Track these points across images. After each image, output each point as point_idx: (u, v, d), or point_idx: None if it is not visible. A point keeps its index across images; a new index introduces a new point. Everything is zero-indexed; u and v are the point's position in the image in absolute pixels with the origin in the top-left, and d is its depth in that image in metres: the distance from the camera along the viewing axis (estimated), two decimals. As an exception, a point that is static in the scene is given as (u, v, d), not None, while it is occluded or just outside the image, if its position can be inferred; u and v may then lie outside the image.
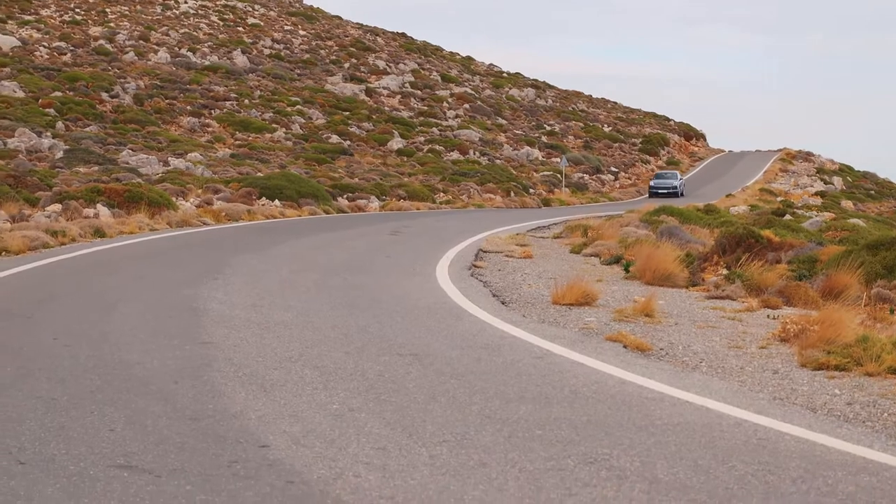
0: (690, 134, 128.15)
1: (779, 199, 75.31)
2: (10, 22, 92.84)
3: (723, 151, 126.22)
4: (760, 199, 74.99)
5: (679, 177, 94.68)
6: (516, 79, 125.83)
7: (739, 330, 14.49)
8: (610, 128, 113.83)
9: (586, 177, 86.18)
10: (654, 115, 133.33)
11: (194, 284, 18.34)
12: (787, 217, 46.42)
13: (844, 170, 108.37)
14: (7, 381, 10.21)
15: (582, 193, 78.80)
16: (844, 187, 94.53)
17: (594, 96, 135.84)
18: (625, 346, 12.95)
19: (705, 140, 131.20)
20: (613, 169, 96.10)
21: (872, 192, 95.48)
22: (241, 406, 9.33)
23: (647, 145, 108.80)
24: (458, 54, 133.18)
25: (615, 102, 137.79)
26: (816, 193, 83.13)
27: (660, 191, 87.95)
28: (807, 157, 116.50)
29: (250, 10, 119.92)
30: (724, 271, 20.80)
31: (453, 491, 7.04)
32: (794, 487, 7.31)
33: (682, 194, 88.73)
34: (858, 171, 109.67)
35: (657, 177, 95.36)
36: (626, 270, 21.62)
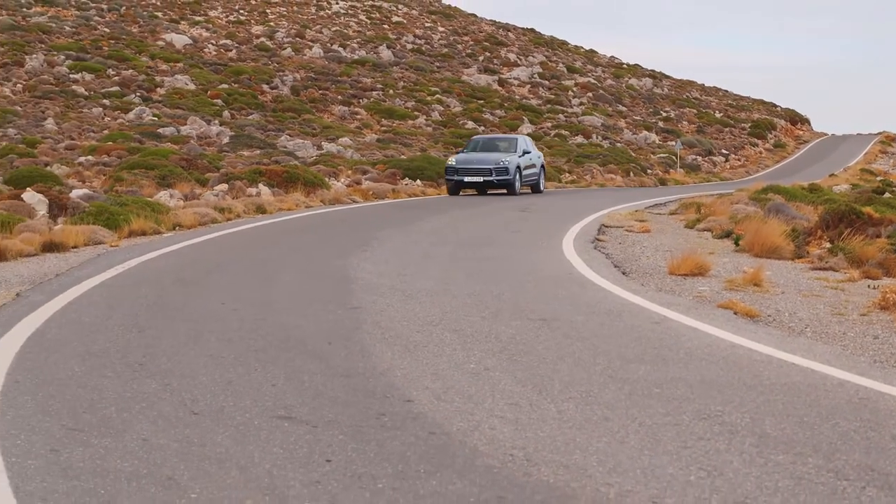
0: (796, 119, 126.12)
1: (878, 178, 72.72)
2: (182, 22, 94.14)
3: (826, 135, 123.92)
4: (861, 179, 72.03)
5: (524, 147, 43.87)
6: (635, 69, 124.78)
7: (842, 299, 14.28)
8: (721, 114, 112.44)
9: (699, 158, 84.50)
10: (762, 102, 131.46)
11: (345, 256, 18.48)
12: (887, 195, 45.45)
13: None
14: (182, 341, 10.39)
15: (695, 174, 76.48)
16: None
17: (706, 85, 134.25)
18: (735, 313, 12.84)
19: (810, 124, 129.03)
20: (724, 151, 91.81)
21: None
22: (387, 365, 9.40)
23: (756, 129, 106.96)
24: (582, 48, 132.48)
25: (726, 90, 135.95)
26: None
27: (466, 178, 41.20)
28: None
29: (394, 9, 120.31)
30: (828, 245, 20.51)
31: (579, 443, 7.04)
32: (894, 443, 7.21)
33: (537, 187, 44.29)
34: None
35: (472, 146, 44.53)
36: (736, 244, 21.39)
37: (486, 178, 39.75)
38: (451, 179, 40.64)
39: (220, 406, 7.84)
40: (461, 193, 41.47)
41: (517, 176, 40.52)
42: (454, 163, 40.79)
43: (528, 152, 42.85)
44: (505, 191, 41.06)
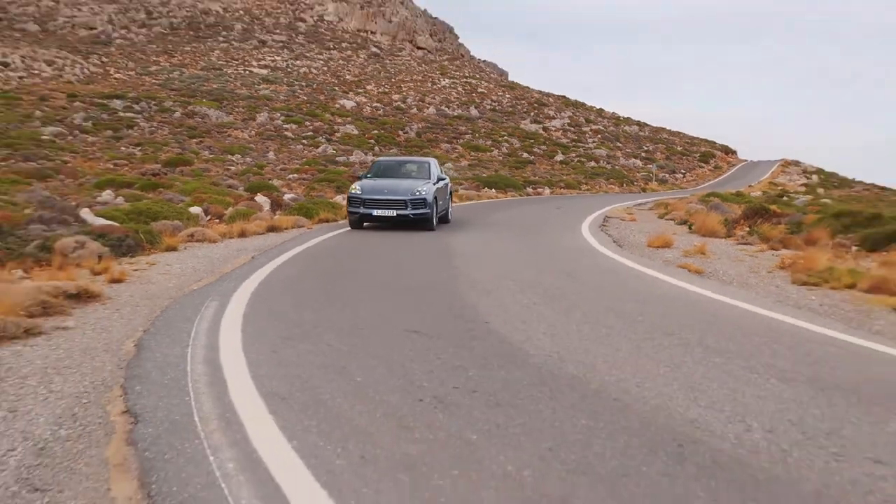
0: (728, 150, 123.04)
1: (779, 188, 71.90)
2: (350, 93, 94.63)
3: (746, 161, 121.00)
4: (768, 188, 71.31)
5: (436, 171, 21.93)
6: (628, 120, 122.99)
7: (756, 262, 14.09)
8: (681, 148, 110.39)
9: (667, 175, 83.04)
10: (707, 140, 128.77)
11: (448, 235, 18.52)
12: (785, 198, 44.65)
13: (819, 171, 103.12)
14: (351, 286, 10.49)
15: (664, 185, 75.50)
16: (819, 181, 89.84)
17: (672, 129, 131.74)
18: (689, 271, 12.72)
19: (737, 154, 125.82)
20: (682, 171, 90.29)
21: (835, 183, 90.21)
22: (473, 301, 9.44)
23: (702, 157, 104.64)
24: (595, 106, 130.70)
25: (684, 133, 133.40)
26: (802, 185, 78.94)
27: (375, 212, 19.66)
28: (796, 163, 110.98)
29: (479, 83, 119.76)
30: (747, 228, 20.25)
31: (590, 350, 7.04)
32: (788, 351, 7.13)
33: (447, 218, 22.39)
34: (827, 172, 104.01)
35: (376, 169, 21.98)
36: (690, 228, 21.18)
37: (399, 212, 19.65)
38: (354, 212, 19.97)
39: (375, 325, 7.93)
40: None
41: (435, 208, 20.44)
42: (359, 191, 20.03)
43: (443, 178, 22.15)
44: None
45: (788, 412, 5.42)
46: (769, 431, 5.04)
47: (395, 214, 19.03)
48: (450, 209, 23.10)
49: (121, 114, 61.06)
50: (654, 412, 5.34)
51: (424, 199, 19.07)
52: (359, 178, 20.87)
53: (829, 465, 4.54)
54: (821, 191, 71.01)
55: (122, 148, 48.17)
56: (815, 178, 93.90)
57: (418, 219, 19.09)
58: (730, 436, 4.94)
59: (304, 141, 63.65)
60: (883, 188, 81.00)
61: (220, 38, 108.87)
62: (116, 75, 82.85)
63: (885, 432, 5.08)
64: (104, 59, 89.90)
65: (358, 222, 19.62)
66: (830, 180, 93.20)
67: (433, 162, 22.11)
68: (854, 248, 16.12)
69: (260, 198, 24.85)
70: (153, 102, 67.32)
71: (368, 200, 19.12)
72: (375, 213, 19.06)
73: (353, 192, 19.50)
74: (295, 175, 42.74)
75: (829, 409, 5.50)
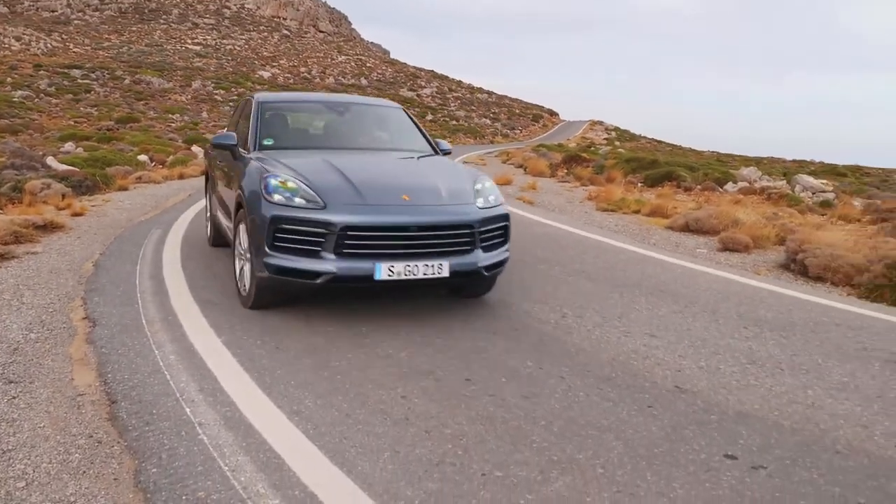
0: (553, 112, 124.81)
1: (588, 141, 73.38)
2: (267, 67, 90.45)
3: (565, 121, 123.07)
4: (581, 141, 72.56)
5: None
6: (480, 90, 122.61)
7: (572, 195, 14.39)
8: (519, 111, 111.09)
9: (509, 131, 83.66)
10: (537, 105, 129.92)
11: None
12: (592, 149, 45.74)
13: (617, 129, 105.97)
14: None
15: (507, 138, 76.01)
16: (616, 136, 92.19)
17: (512, 97, 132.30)
18: (524, 202, 12.88)
19: (559, 115, 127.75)
20: (520, 128, 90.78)
21: (627, 138, 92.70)
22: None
23: (534, 118, 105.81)
24: (455, 78, 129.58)
25: (522, 100, 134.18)
26: (604, 139, 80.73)
27: (385, 269, 3.70)
28: (600, 123, 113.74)
29: (367, 60, 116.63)
30: (566, 171, 20.64)
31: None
32: (593, 259, 7.31)
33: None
34: (623, 129, 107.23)
35: (274, 128, 4.96)
36: (524, 170, 21.43)
37: (459, 268, 3.94)
38: (287, 269, 4.00)
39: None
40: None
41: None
42: (311, 201, 3.90)
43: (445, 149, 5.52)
44: None
45: (593, 303, 5.58)
46: (579, 317, 5.18)
47: (448, 275, 4.38)
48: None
49: (79, 81, 56.71)
50: (497, 306, 5.39)
51: (505, 222, 4.89)
52: (240, 158, 5.37)
53: (620, 339, 4.71)
54: (617, 143, 73.30)
55: (81, 108, 44.85)
56: (613, 134, 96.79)
57: (490, 276, 4.89)
58: (551, 321, 5.05)
59: (230, 103, 60.68)
60: (660, 142, 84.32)
61: (161, 21, 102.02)
62: (75, 49, 76.63)
63: (658, 315, 5.31)
64: (64, 36, 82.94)
65: (271, 293, 4.72)
66: (624, 136, 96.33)
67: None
68: (639, 185, 16.71)
69: (195, 148, 23.59)
70: (106, 72, 62.74)
71: (356, 229, 4.24)
72: (383, 272, 4.22)
73: (278, 197, 4.38)
74: (223, 130, 40.84)
75: (620, 300, 5.70)
